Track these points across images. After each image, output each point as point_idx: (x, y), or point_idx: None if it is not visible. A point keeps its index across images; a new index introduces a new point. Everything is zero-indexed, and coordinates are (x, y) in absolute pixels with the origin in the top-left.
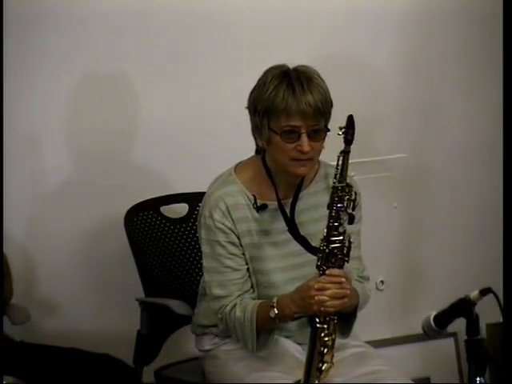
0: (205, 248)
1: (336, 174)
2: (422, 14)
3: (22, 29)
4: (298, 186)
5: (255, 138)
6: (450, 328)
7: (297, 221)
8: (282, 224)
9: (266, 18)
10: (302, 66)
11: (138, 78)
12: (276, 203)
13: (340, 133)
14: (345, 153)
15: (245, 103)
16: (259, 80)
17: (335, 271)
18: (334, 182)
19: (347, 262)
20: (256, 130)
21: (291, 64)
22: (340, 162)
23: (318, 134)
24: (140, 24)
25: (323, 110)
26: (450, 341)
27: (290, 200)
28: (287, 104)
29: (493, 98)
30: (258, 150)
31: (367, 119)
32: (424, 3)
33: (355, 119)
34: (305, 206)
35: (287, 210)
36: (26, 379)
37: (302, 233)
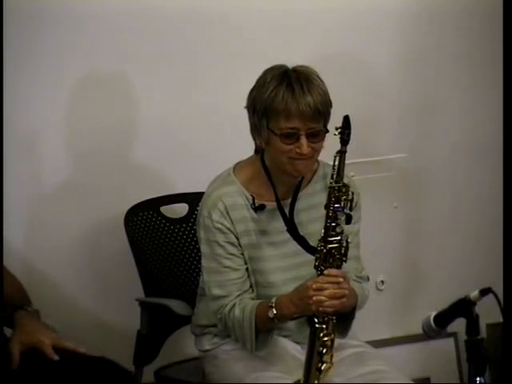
0: (204, 248)
1: (333, 175)
2: (422, 14)
3: (21, 29)
4: (296, 186)
5: (254, 138)
6: (450, 328)
7: (296, 221)
8: (280, 224)
9: (266, 18)
10: (301, 66)
11: (138, 78)
12: (275, 203)
13: (336, 133)
14: (341, 153)
15: (245, 103)
16: (258, 80)
17: (333, 271)
18: (330, 183)
19: (345, 262)
20: (255, 130)
21: (291, 64)
22: (336, 163)
23: (317, 135)
24: (139, 24)
25: (322, 111)
26: (450, 341)
27: (289, 200)
28: (287, 105)
29: (493, 98)
30: (257, 150)
31: (367, 119)
32: (424, 3)
33: (355, 119)
34: (303, 206)
35: (286, 210)
36: (22, 379)
37: (300, 233)
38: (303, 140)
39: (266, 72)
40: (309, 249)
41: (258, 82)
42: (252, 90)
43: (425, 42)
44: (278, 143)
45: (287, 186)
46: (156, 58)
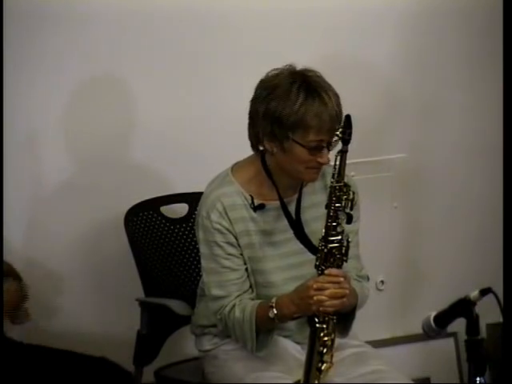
0: (203, 249)
1: (334, 174)
2: (421, 14)
3: (21, 29)
4: (300, 186)
5: (261, 143)
6: (450, 328)
7: (295, 220)
8: (280, 223)
9: (266, 18)
10: (312, 71)
11: (138, 79)
12: (275, 203)
13: (337, 133)
14: (342, 152)
15: (244, 104)
16: (276, 88)
17: (334, 271)
18: (331, 182)
19: (345, 261)
20: (269, 137)
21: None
22: (337, 162)
23: (332, 143)
24: (139, 25)
25: (341, 120)
26: (450, 341)
27: (289, 199)
28: (321, 120)
29: (493, 98)
30: (262, 152)
31: (367, 119)
32: (424, 3)
33: (355, 119)
34: (304, 204)
35: (289, 209)
36: (23, 380)
37: (306, 231)
38: (325, 150)
39: (285, 79)
40: (312, 248)
41: (276, 89)
42: (270, 99)
43: (425, 42)
44: (303, 154)
45: (287, 185)
46: (156, 59)
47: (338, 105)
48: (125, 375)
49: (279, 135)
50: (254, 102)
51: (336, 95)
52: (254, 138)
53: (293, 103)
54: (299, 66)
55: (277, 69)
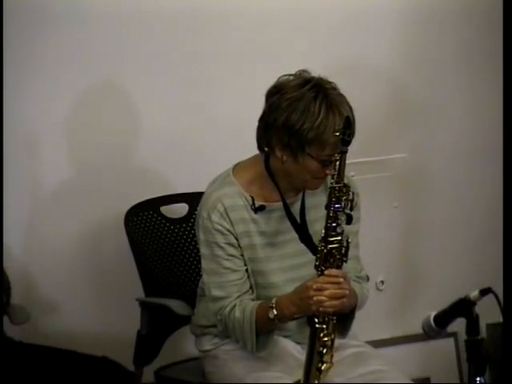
0: (203, 250)
1: (333, 175)
2: (421, 14)
3: (22, 29)
4: (303, 188)
5: (271, 147)
6: (450, 328)
7: (300, 221)
8: (282, 225)
9: (266, 18)
10: (328, 82)
11: (138, 79)
12: (276, 204)
13: (337, 133)
14: (342, 153)
15: (244, 104)
16: (297, 100)
17: (334, 271)
18: (331, 183)
19: (345, 262)
20: (283, 147)
21: (290, 65)
22: (337, 163)
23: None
24: (140, 25)
25: (354, 131)
26: (450, 341)
27: (290, 201)
28: (338, 137)
29: (493, 98)
30: (267, 153)
31: (367, 119)
32: (424, 3)
33: (355, 119)
34: (309, 204)
35: (292, 211)
36: (24, 380)
37: (310, 231)
38: (333, 163)
39: (306, 93)
40: (315, 249)
41: (295, 101)
42: (291, 111)
43: (425, 43)
44: (314, 166)
45: (289, 187)
46: (156, 59)
47: (353, 118)
48: (127, 375)
49: (295, 147)
50: (273, 110)
51: (351, 108)
52: (265, 143)
53: (314, 118)
54: (311, 73)
55: (290, 75)
